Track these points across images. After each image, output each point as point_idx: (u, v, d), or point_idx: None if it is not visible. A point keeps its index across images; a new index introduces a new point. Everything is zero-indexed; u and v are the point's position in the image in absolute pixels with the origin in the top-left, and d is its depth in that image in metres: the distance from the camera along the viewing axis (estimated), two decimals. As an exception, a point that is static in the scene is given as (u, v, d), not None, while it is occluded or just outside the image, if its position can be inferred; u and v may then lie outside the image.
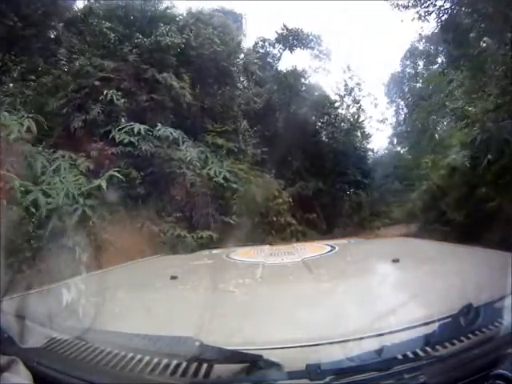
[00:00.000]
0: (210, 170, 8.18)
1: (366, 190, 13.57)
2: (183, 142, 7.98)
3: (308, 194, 12.04)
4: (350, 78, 14.11)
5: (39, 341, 0.87)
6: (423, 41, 16.37)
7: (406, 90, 17.25)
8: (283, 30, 13.49)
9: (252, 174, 9.42)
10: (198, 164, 7.98)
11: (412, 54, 16.82)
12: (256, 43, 13.76)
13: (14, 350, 0.80)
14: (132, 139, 7.25)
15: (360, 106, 14.13)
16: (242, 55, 11.58)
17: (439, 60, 14.88)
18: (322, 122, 14.07)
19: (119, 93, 7.73)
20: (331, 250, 2.08)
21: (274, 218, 9.24)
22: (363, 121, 14.42)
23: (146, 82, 8.39)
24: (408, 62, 17.21)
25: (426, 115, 13.58)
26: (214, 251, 2.74)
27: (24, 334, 0.88)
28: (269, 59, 13.83)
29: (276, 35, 13.60)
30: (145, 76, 8.36)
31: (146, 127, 7.47)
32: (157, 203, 7.43)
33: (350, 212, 13.17)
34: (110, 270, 2.03)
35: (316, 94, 13.81)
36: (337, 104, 14.09)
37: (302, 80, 13.41)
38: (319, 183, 12.51)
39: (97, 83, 7.71)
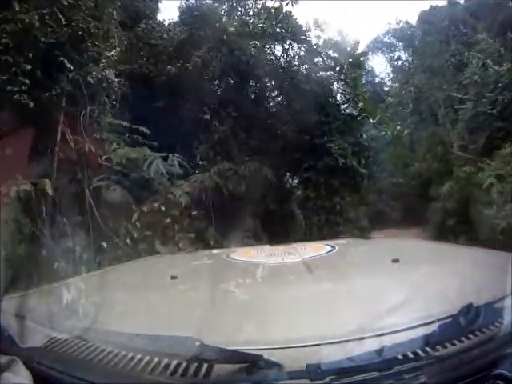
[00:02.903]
0: None
1: (361, 187, 7.79)
2: None
3: (240, 190, 6.53)
4: (320, 32, 9.23)
5: (39, 340, 0.87)
6: (389, 35, 16.39)
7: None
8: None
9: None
10: None
11: (375, 46, 16.64)
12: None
13: (14, 350, 0.80)
14: None
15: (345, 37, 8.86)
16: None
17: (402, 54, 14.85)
18: (283, 53, 8.11)
19: None
20: (331, 250, 2.08)
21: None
22: (364, 54, 9.07)
23: None
24: (370, 53, 16.87)
25: (411, 98, 11.56)
26: (214, 251, 2.75)
27: (24, 333, 0.88)
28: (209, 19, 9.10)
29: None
30: None
31: None
32: None
33: (324, 227, 7.45)
34: (110, 270, 2.03)
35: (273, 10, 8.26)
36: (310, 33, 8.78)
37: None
38: (265, 169, 6.70)
39: None
